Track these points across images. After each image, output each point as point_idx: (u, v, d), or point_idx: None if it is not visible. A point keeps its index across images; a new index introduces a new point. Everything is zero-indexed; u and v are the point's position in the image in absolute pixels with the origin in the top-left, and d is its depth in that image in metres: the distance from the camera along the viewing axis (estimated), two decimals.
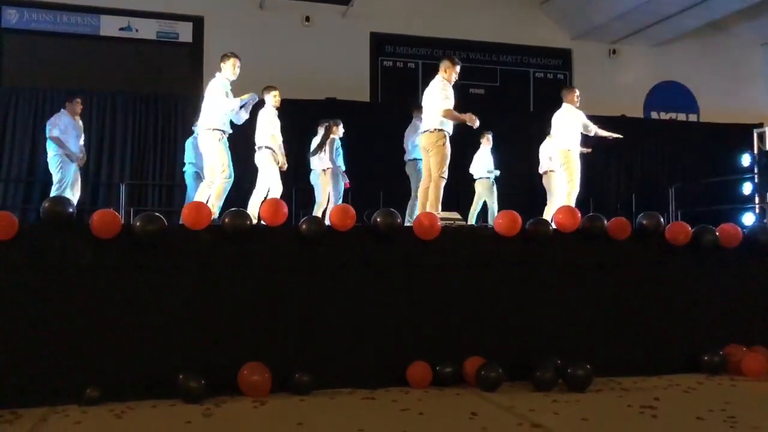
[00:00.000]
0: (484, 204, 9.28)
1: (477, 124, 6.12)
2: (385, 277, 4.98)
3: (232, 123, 6.32)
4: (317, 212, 7.99)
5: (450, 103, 6.15)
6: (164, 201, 10.68)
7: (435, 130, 6.21)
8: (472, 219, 8.82)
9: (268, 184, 6.93)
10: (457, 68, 6.26)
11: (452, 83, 6.25)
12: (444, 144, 6.16)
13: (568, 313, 5.23)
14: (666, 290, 5.48)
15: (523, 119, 12.05)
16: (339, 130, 8.29)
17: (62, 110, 7.73)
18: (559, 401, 4.38)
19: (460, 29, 12.94)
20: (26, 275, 4.38)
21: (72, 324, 4.40)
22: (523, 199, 9.96)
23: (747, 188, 11.87)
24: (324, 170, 8.09)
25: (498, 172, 9.44)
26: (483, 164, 9.34)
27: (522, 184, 10.37)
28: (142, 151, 10.87)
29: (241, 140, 6.79)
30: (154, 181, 10.83)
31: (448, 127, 6.18)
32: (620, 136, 7.31)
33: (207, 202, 5.91)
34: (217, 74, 6.29)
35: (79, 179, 7.74)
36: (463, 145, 9.38)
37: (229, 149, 6.21)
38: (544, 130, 11.95)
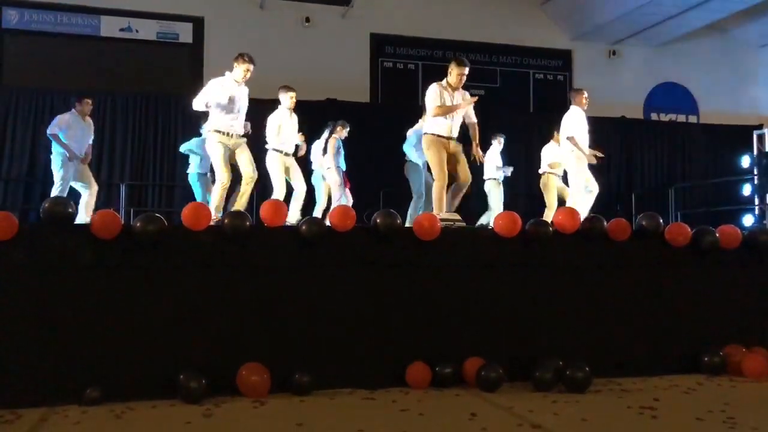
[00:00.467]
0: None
1: (471, 99, 6.09)
2: (385, 277, 4.98)
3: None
4: (317, 213, 8.00)
5: (434, 102, 6.07)
6: (164, 201, 10.70)
7: (424, 133, 6.23)
8: (489, 220, 8.81)
9: (277, 186, 7.00)
10: (458, 70, 6.12)
11: (455, 85, 6.14)
12: (429, 147, 6.11)
13: (568, 314, 5.24)
14: (666, 291, 5.49)
15: (523, 120, 12.07)
16: (343, 132, 8.30)
17: (72, 110, 7.67)
18: (558, 402, 4.38)
19: (460, 30, 12.96)
20: (26, 275, 4.38)
21: (72, 324, 4.40)
22: (524, 200, 10.00)
23: (747, 190, 11.89)
24: (327, 170, 8.10)
25: (508, 172, 9.48)
26: (491, 164, 9.39)
27: (522, 185, 10.39)
28: (142, 151, 10.88)
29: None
30: (154, 181, 10.84)
31: (437, 129, 6.09)
32: (602, 156, 7.36)
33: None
34: (227, 73, 6.22)
35: (90, 177, 7.65)
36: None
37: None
38: (543, 131, 12.01)
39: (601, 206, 8.89)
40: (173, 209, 9.81)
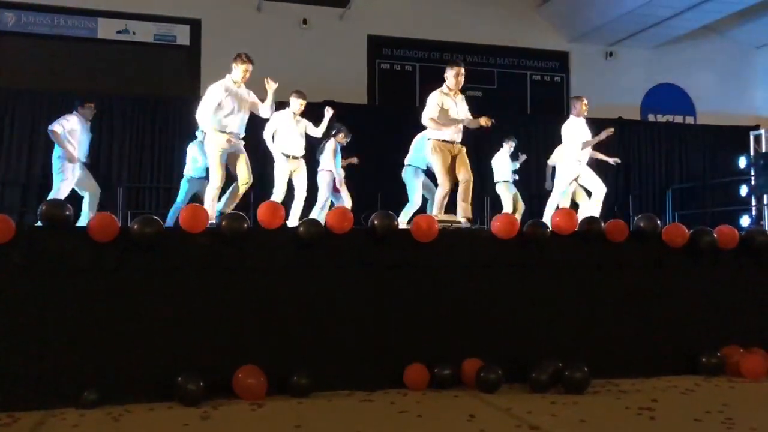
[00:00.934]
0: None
1: (481, 121, 6.12)
2: (382, 279, 4.98)
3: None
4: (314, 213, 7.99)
5: (431, 112, 6.12)
6: (162, 204, 10.66)
7: (428, 139, 6.28)
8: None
9: (278, 189, 7.07)
10: (453, 70, 6.15)
11: (454, 88, 6.17)
12: (434, 153, 6.16)
13: (566, 315, 5.24)
14: (664, 292, 5.49)
15: (520, 122, 12.07)
16: (344, 140, 8.29)
17: (74, 112, 7.53)
18: (557, 403, 4.38)
19: (457, 32, 12.97)
20: (23, 278, 4.37)
21: (70, 327, 4.39)
22: (525, 200, 9.99)
23: (744, 190, 11.91)
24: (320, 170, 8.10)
25: (517, 165, 9.60)
26: (499, 168, 9.51)
27: (520, 186, 10.38)
28: (140, 153, 10.86)
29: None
30: (151, 183, 10.82)
31: (442, 134, 6.14)
32: (618, 161, 7.43)
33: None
34: (227, 75, 6.18)
35: (91, 179, 7.56)
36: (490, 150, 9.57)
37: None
38: (540, 132, 12.04)
39: None
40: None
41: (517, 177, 9.72)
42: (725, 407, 4.22)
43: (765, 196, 11.27)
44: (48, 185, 10.02)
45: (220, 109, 6.05)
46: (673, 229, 5.61)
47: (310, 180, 7.50)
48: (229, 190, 6.28)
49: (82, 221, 6.70)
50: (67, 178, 7.30)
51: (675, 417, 4.02)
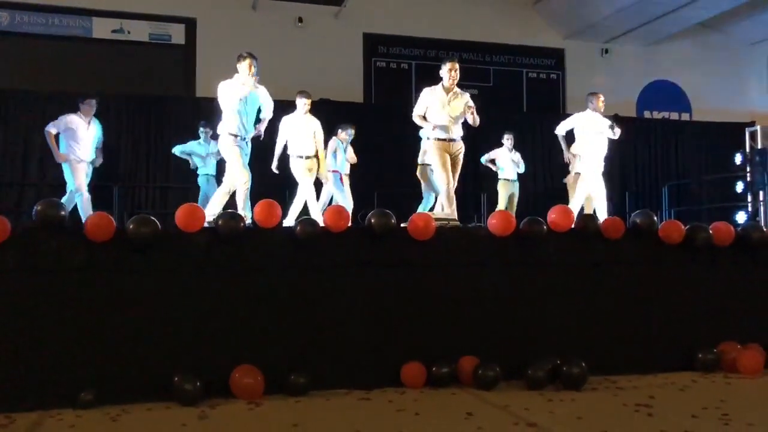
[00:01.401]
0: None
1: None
2: (379, 277, 4.98)
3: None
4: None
5: (416, 109, 6.16)
6: (158, 203, 10.65)
7: (427, 138, 6.29)
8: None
9: (301, 193, 7.19)
10: (446, 67, 6.10)
11: (448, 84, 6.13)
12: (432, 152, 6.15)
13: (563, 313, 5.24)
14: (660, 289, 5.50)
15: (516, 119, 12.08)
16: (343, 135, 8.35)
17: (78, 111, 7.46)
18: (554, 400, 4.39)
19: (453, 29, 12.97)
20: (19, 278, 4.35)
21: (66, 327, 4.38)
22: (520, 198, 10.00)
23: (739, 187, 11.93)
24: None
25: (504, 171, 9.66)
26: (502, 164, 9.61)
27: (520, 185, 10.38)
28: (136, 153, 10.84)
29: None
30: (147, 183, 10.80)
31: (438, 134, 6.10)
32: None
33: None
34: (235, 75, 6.17)
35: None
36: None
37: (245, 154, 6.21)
38: (536, 130, 12.06)
39: None
40: (167, 211, 9.77)
41: (519, 170, 9.70)
42: (722, 403, 4.23)
43: (761, 193, 11.30)
44: (42, 186, 10.07)
45: (231, 112, 6.10)
46: (669, 225, 5.62)
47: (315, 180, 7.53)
48: (223, 191, 6.28)
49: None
50: (79, 179, 7.26)
51: (672, 413, 4.03)
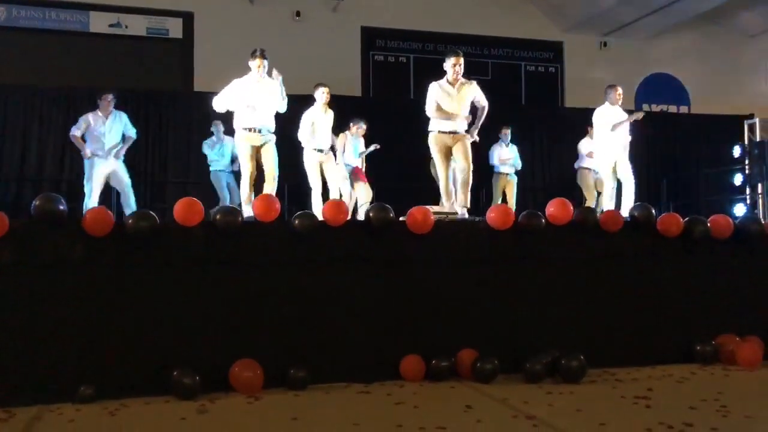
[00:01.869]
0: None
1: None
2: (378, 271, 4.98)
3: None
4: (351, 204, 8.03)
5: (428, 107, 6.19)
6: (157, 198, 10.63)
7: (429, 131, 6.31)
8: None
9: (312, 183, 7.20)
10: (449, 62, 6.16)
11: (452, 79, 6.16)
12: (432, 145, 6.23)
13: (562, 305, 5.25)
14: (658, 281, 5.51)
15: (514, 112, 12.05)
16: (354, 129, 8.34)
17: (96, 109, 7.48)
18: (553, 393, 4.40)
19: (451, 23, 12.93)
20: (18, 273, 4.35)
21: (65, 322, 4.38)
22: (519, 193, 10.00)
23: (738, 179, 11.92)
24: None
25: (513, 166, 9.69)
26: (501, 158, 9.63)
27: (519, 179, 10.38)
28: (133, 147, 10.79)
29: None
30: (145, 178, 10.78)
31: (441, 126, 6.18)
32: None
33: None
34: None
35: (118, 174, 7.43)
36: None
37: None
38: (535, 123, 12.04)
39: None
40: (166, 206, 9.76)
41: (515, 165, 9.69)
42: (720, 395, 4.24)
43: (759, 185, 11.28)
44: (41, 181, 10.06)
45: (242, 107, 6.25)
46: (667, 218, 5.62)
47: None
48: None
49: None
50: (90, 178, 7.25)
51: (670, 405, 4.03)
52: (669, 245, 5.52)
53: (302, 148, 7.31)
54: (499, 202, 9.26)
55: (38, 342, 4.33)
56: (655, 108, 14.17)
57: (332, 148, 7.55)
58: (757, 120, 12.20)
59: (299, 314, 4.79)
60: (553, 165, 12.27)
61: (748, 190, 11.62)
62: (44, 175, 10.19)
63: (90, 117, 7.42)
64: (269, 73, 6.36)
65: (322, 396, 4.41)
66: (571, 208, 5.44)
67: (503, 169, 9.62)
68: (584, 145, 9.15)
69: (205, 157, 9.19)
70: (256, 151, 6.32)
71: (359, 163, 8.42)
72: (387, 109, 10.98)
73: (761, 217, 10.20)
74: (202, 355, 4.53)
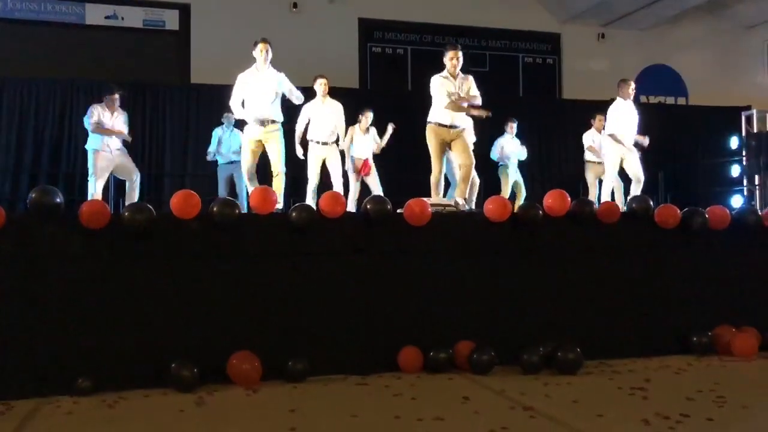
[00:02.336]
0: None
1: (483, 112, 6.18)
2: (376, 263, 4.98)
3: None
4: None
5: (440, 94, 6.15)
6: (153, 191, 10.61)
7: (427, 123, 6.31)
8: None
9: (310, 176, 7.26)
10: (448, 55, 6.14)
11: (452, 72, 6.15)
12: (429, 136, 6.21)
13: (559, 297, 5.26)
14: (656, 273, 5.51)
15: (512, 104, 12.03)
16: (362, 119, 8.30)
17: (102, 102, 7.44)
18: (550, 384, 4.41)
19: (448, 14, 12.89)
20: (14, 266, 4.35)
21: (63, 314, 4.38)
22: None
23: (735, 171, 11.94)
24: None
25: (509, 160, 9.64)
26: (505, 151, 9.59)
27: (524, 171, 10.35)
28: (130, 140, 10.77)
29: None
30: (142, 170, 10.73)
31: (439, 118, 6.18)
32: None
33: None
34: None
35: (128, 167, 7.42)
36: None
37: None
38: (532, 115, 12.02)
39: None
40: (162, 199, 9.75)
41: (519, 157, 9.68)
42: (717, 386, 4.25)
43: (756, 177, 11.30)
44: (37, 174, 10.03)
45: (247, 99, 6.27)
46: (665, 210, 5.62)
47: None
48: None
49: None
50: (94, 174, 7.24)
51: (667, 396, 4.05)
52: (666, 236, 5.52)
53: (307, 141, 7.31)
54: (508, 195, 9.24)
55: (36, 334, 4.33)
56: (653, 100, 14.15)
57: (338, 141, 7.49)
58: (754, 111, 12.20)
59: (297, 306, 4.80)
60: (551, 156, 12.27)
61: (745, 182, 11.64)
62: (41, 168, 10.16)
63: (98, 109, 7.36)
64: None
65: (320, 388, 4.42)
66: (569, 199, 5.44)
67: (509, 161, 9.59)
68: (586, 139, 9.12)
69: (204, 149, 9.12)
70: (259, 145, 6.29)
71: (370, 154, 8.36)
72: (385, 101, 10.95)
73: (758, 208, 10.21)
74: (200, 348, 4.53)
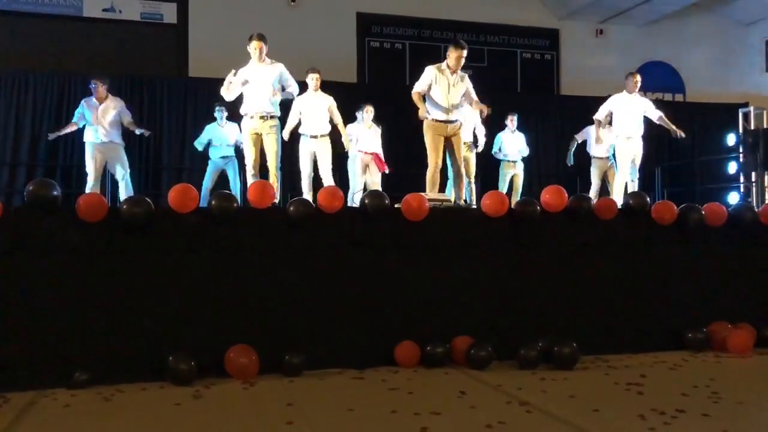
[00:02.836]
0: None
1: (425, 116, 6.08)
2: (373, 258, 4.99)
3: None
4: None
5: (418, 85, 6.12)
6: (151, 184, 10.59)
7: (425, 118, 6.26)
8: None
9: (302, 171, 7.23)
10: (456, 53, 6.02)
11: (453, 67, 6.10)
12: (426, 131, 6.15)
13: (556, 292, 5.27)
14: (652, 269, 5.53)
15: (510, 100, 12.03)
16: (362, 114, 8.31)
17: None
18: (546, 379, 4.42)
19: (447, 9, 12.85)
20: (12, 259, 4.34)
21: (60, 307, 4.38)
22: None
23: (732, 167, 11.95)
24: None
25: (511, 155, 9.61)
26: (507, 146, 9.55)
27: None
28: (128, 133, 10.74)
29: None
30: (140, 164, 10.73)
31: (435, 114, 6.11)
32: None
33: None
34: None
35: (114, 163, 7.39)
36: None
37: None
38: (530, 111, 12.01)
39: (588, 185, 8.97)
40: (160, 192, 9.73)
41: (521, 153, 9.66)
42: (712, 382, 4.27)
43: (753, 174, 11.31)
44: (34, 166, 9.99)
45: (244, 93, 6.31)
46: (661, 206, 5.64)
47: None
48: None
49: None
50: (88, 167, 7.23)
51: (663, 392, 4.07)
52: (663, 233, 5.54)
53: (299, 134, 7.30)
54: (506, 190, 9.23)
55: (33, 327, 4.33)
56: (651, 96, 14.11)
57: (331, 134, 7.46)
58: (751, 108, 12.20)
59: (294, 300, 4.80)
60: (548, 152, 12.26)
61: (742, 179, 11.65)
62: (38, 161, 10.13)
63: (85, 103, 7.37)
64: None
65: (317, 382, 4.43)
66: (566, 195, 5.45)
67: (511, 156, 9.57)
68: (591, 133, 9.03)
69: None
70: (258, 138, 6.32)
71: (370, 148, 8.34)
72: (382, 95, 10.92)
73: (755, 205, 10.23)
74: (197, 341, 4.53)
